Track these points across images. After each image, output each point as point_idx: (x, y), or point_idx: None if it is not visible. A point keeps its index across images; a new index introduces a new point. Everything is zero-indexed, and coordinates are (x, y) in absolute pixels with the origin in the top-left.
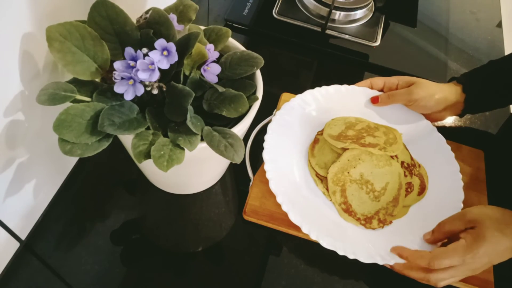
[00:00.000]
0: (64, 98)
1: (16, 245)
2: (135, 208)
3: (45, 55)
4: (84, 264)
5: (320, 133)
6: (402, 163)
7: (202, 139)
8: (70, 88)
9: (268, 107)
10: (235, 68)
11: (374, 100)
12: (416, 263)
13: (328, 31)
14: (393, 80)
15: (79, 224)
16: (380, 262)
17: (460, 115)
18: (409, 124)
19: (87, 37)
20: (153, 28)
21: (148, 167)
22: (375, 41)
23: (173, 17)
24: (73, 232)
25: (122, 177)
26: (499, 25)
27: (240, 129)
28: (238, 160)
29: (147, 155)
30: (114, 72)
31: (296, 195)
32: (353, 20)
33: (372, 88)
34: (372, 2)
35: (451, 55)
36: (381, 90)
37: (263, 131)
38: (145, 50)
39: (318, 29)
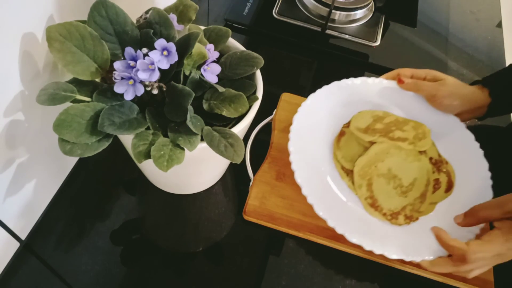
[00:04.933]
0: (64, 98)
1: (16, 245)
2: (135, 208)
3: (45, 55)
4: (84, 264)
5: (346, 125)
6: (430, 159)
7: (202, 139)
8: (70, 88)
9: (268, 107)
10: (235, 68)
11: (400, 81)
12: (450, 251)
13: (328, 31)
14: (421, 73)
15: (79, 224)
16: (407, 259)
17: (480, 118)
18: (437, 120)
19: (87, 37)
20: (153, 28)
21: (148, 167)
22: (375, 41)
23: (173, 17)
24: (73, 232)
25: (122, 177)
26: (499, 25)
27: (240, 129)
28: (238, 160)
29: (147, 155)
30: (114, 72)
31: (321, 188)
32: (353, 20)
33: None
34: (372, 2)
35: (451, 55)
36: None
37: (263, 131)
38: (145, 50)
39: (318, 29)
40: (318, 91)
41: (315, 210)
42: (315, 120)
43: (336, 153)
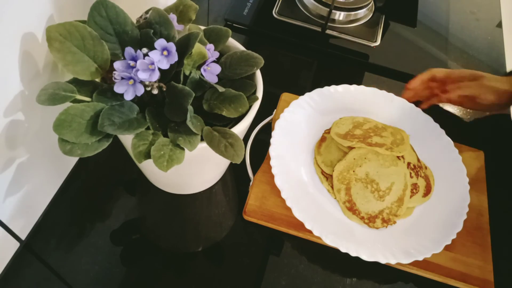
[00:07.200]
0: (64, 98)
1: (16, 245)
2: (135, 208)
3: (45, 55)
4: (84, 264)
5: (328, 131)
6: (409, 164)
7: (202, 139)
8: (70, 88)
9: (268, 107)
10: (235, 68)
11: (444, 92)
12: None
13: (328, 31)
14: (457, 73)
15: (79, 224)
16: (382, 261)
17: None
18: (417, 126)
19: (87, 37)
20: (153, 28)
21: (148, 167)
22: (375, 41)
23: (173, 17)
24: (73, 232)
25: (122, 177)
26: (499, 25)
27: (240, 129)
28: (238, 160)
29: (147, 155)
30: (114, 72)
31: (300, 191)
32: (353, 20)
33: (435, 77)
34: (372, 2)
35: (451, 55)
36: (440, 81)
37: (263, 131)
38: (145, 50)
39: (318, 29)
40: (300, 98)
41: (293, 212)
42: (297, 126)
43: (316, 158)
